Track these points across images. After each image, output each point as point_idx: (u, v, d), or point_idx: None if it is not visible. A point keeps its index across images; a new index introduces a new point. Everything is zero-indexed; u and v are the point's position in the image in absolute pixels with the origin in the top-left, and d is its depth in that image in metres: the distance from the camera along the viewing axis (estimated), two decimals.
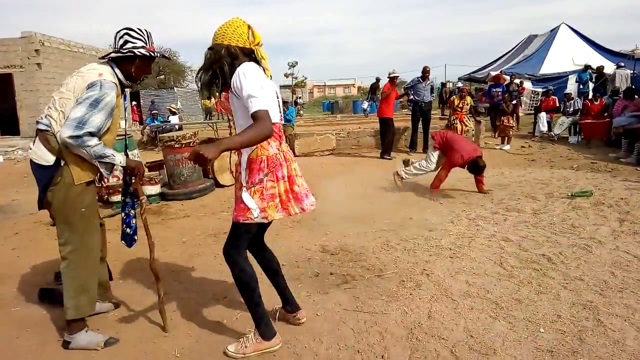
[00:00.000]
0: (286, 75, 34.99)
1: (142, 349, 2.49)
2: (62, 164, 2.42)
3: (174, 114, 14.47)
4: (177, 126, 13.10)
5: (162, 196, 6.17)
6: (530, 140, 10.95)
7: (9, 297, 3.27)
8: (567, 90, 13.56)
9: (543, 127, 11.44)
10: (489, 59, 22.26)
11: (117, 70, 2.52)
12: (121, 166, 2.54)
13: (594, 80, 14.11)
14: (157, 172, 6.59)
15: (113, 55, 2.51)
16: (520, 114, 14.19)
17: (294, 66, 34.79)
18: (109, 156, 2.42)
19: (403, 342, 2.43)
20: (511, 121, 10.29)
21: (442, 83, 23.51)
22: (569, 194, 5.37)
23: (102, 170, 2.47)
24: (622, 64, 13.90)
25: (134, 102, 23.05)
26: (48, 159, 2.42)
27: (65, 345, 2.55)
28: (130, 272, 3.63)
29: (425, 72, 9.76)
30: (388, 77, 9.37)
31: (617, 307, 2.69)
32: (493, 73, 13.45)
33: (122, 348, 2.52)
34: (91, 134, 2.32)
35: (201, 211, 5.51)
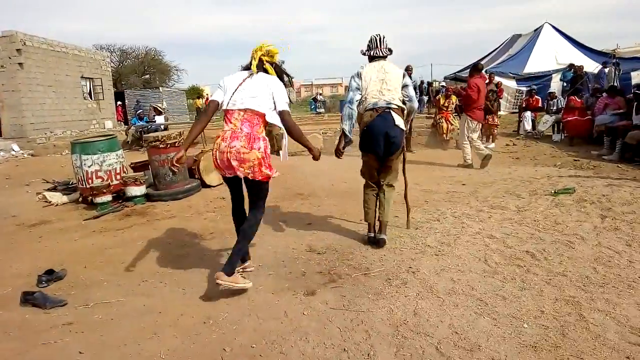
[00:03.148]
0: None
1: (127, 351, 2.47)
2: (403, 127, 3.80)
3: (159, 113, 14.34)
4: (162, 126, 12.99)
5: (148, 197, 6.11)
6: (514, 139, 11.08)
7: None
8: (551, 89, 13.75)
9: (528, 125, 11.59)
10: (474, 58, 22.44)
11: None
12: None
13: (570, 79, 14.31)
14: (142, 172, 6.53)
15: (386, 54, 3.91)
16: (504, 113, 14.33)
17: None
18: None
19: (389, 340, 2.44)
20: (496, 119, 10.40)
21: (428, 82, 23.62)
22: (552, 191, 5.45)
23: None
24: (611, 62, 14.01)
25: (118, 102, 22.77)
26: (402, 125, 3.77)
27: (383, 242, 3.84)
28: (113, 274, 3.59)
29: (408, 71, 9.79)
30: None
31: (599, 302, 2.73)
32: None
33: (106, 350, 2.49)
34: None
35: (187, 212, 5.48)
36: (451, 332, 2.48)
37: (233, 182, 3.19)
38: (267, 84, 3.05)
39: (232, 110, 3.02)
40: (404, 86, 3.84)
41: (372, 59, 3.93)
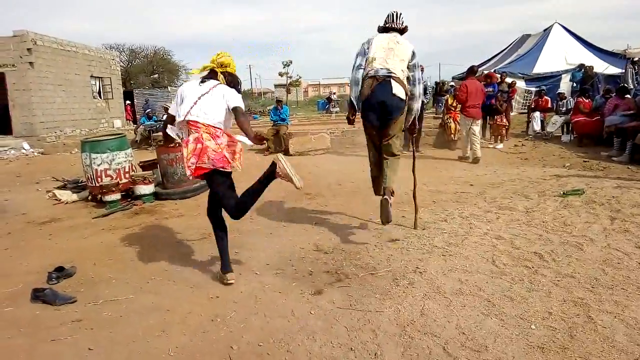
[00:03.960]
0: (280, 74, 34.94)
1: (136, 349, 2.49)
2: (406, 100, 3.86)
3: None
4: None
5: (156, 196, 6.15)
6: (523, 139, 11.01)
7: (2, 297, 3.26)
8: (560, 90, 13.64)
9: (537, 126, 11.51)
10: (482, 58, 22.32)
11: None
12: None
13: (579, 79, 14.14)
14: (151, 171, 6.57)
15: (401, 27, 4.08)
16: (513, 113, 14.21)
17: (288, 65, 34.71)
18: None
19: (396, 340, 2.45)
20: (504, 120, 10.33)
21: (436, 82, 23.55)
22: (561, 192, 5.41)
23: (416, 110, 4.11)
24: (629, 62, 13.72)
25: (127, 102, 22.92)
26: (403, 95, 3.80)
27: (386, 202, 3.83)
28: (122, 272, 3.62)
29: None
30: None
31: (607, 303, 2.71)
32: (486, 72, 13.48)
33: (115, 347, 2.52)
34: None
35: (195, 211, 5.51)
36: (458, 333, 2.47)
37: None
38: (222, 96, 3.20)
39: (193, 121, 3.12)
40: (412, 66, 3.92)
41: (387, 31, 4.09)
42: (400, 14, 4.11)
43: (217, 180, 3.18)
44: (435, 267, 3.37)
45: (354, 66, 4.00)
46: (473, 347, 2.33)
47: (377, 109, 3.84)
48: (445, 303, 2.82)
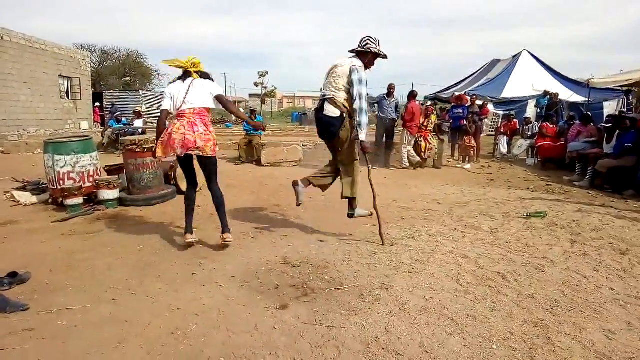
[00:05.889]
0: (256, 84, 34.79)
1: None
2: (344, 117, 4.17)
3: (139, 117, 14.12)
4: (140, 130, 12.78)
5: (120, 201, 5.97)
6: (490, 161, 11.31)
7: None
8: (527, 115, 14.12)
9: (503, 148, 11.86)
10: (454, 79, 22.94)
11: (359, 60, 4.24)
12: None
13: (544, 105, 14.67)
14: (117, 176, 6.39)
15: (358, 50, 4.25)
16: (482, 135, 14.59)
17: (264, 76, 34.62)
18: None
19: (359, 357, 2.42)
20: (472, 141, 10.60)
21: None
22: (525, 214, 5.56)
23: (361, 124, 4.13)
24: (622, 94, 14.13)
25: (96, 104, 22.36)
26: (335, 114, 4.16)
27: (351, 216, 4.56)
28: (79, 279, 3.48)
29: (391, 89, 9.95)
30: None
31: (566, 325, 2.78)
32: (457, 94, 13.84)
33: (67, 359, 2.40)
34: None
35: (160, 218, 5.37)
36: (422, 351, 2.47)
37: (187, 162, 4.13)
38: (205, 85, 4.04)
39: (185, 109, 3.92)
40: (350, 82, 4.14)
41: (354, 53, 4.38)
42: (365, 38, 4.27)
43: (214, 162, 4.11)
44: (401, 284, 3.38)
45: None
46: None
47: (319, 127, 4.37)
48: (409, 321, 2.82)
